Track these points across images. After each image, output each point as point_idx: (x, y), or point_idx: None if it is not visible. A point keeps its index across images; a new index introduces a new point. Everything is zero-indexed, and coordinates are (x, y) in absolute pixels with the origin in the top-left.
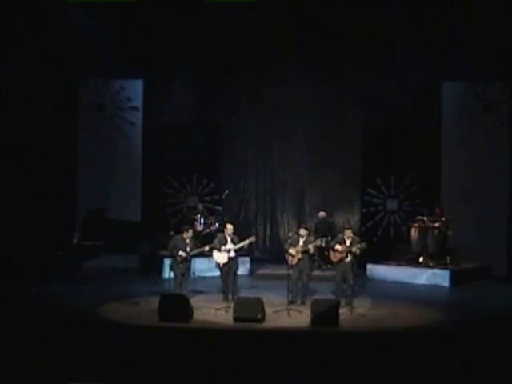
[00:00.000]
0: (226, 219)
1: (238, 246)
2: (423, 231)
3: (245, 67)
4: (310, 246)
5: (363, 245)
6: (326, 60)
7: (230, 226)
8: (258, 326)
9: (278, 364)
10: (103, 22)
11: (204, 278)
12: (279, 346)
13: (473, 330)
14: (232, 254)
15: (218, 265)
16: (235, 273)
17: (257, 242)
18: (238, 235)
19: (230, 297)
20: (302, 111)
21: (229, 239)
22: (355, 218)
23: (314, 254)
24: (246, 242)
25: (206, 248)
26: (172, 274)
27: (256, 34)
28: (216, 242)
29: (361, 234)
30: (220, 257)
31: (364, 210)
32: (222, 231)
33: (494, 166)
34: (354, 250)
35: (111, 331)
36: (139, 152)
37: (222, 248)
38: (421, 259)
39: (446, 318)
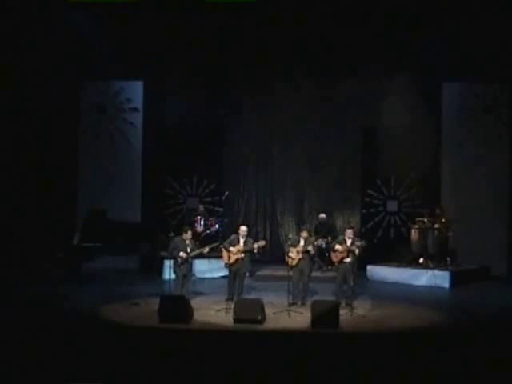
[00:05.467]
0: (225, 220)
1: (246, 248)
2: (423, 232)
3: (245, 67)
4: (310, 248)
5: (363, 242)
6: (326, 60)
7: (243, 228)
8: (258, 327)
9: (279, 365)
10: (103, 23)
11: (204, 279)
12: (279, 347)
13: (473, 331)
14: (240, 255)
15: (225, 264)
16: (243, 274)
17: (266, 246)
18: None
19: (233, 298)
20: (302, 111)
21: (242, 241)
22: (355, 219)
23: (314, 255)
24: (255, 245)
25: (207, 249)
26: (174, 276)
27: (256, 34)
28: (227, 242)
29: (361, 235)
30: (226, 257)
31: (364, 211)
32: (223, 232)
33: (494, 166)
34: (353, 248)
35: (111, 332)
36: (139, 153)
37: (231, 248)
38: (421, 260)
39: (446, 319)
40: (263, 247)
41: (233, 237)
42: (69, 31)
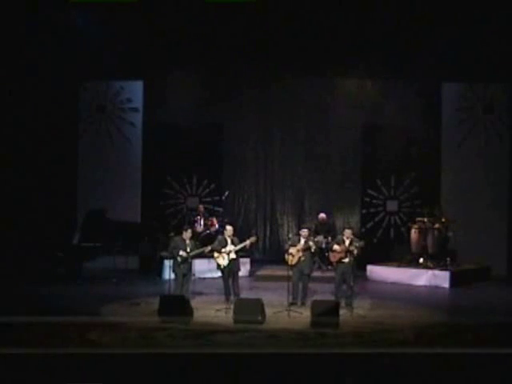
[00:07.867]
0: (225, 220)
1: (239, 247)
2: (423, 232)
3: (245, 67)
4: (311, 243)
5: (361, 243)
6: (326, 60)
7: (229, 228)
8: (259, 327)
9: (278, 365)
10: (104, 22)
11: (204, 279)
12: (279, 347)
13: (473, 331)
14: (232, 255)
15: (219, 266)
16: (236, 274)
17: (257, 242)
18: (238, 236)
19: (231, 298)
20: (302, 111)
21: (229, 241)
22: (355, 219)
23: (314, 254)
24: (247, 242)
25: (209, 248)
26: (173, 276)
27: (256, 33)
28: (216, 243)
29: (361, 235)
30: (220, 258)
31: (364, 211)
32: (223, 232)
33: (494, 166)
34: (351, 248)
35: (111, 332)
36: (139, 153)
37: (223, 250)
38: (421, 260)
39: (446, 319)
40: (254, 243)
41: (220, 238)
42: (69, 31)
